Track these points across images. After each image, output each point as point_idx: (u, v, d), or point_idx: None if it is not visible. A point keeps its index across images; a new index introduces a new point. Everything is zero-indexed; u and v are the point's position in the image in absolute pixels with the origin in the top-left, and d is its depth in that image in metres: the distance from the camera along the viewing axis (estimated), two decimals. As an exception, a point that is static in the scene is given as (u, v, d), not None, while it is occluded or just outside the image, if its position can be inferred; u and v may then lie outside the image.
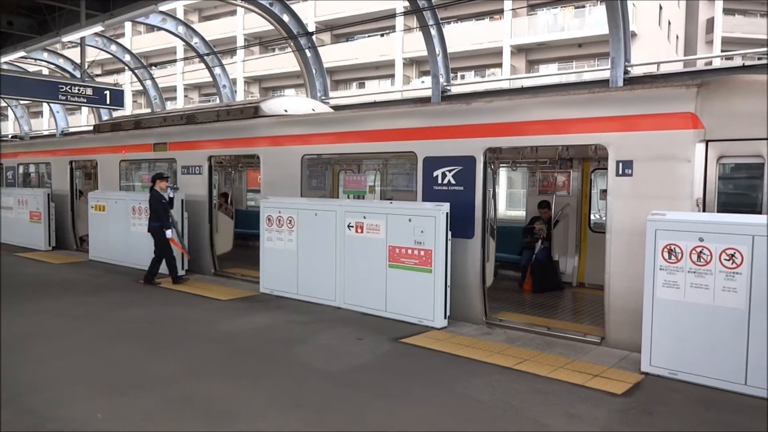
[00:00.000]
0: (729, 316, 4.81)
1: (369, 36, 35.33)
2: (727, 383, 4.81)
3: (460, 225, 6.90)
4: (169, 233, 9.23)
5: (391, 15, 19.15)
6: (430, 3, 11.22)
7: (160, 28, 15.91)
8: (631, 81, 9.32)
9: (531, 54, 32.13)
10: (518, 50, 31.84)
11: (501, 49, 31.43)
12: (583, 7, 29.95)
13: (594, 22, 28.38)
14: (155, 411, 4.39)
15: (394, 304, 7.11)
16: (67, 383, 4.94)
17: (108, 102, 13.86)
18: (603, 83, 9.77)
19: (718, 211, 5.45)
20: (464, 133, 7.08)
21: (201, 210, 10.29)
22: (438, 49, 11.59)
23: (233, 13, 39.76)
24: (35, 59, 18.88)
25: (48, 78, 14.94)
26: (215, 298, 8.37)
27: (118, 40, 19.25)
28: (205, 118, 10.66)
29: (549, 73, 28.36)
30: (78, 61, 15.78)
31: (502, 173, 15.38)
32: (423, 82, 32.71)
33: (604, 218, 7.66)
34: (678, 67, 15.37)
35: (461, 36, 30.54)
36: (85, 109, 37.16)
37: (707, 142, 5.50)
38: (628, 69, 9.50)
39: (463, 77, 31.33)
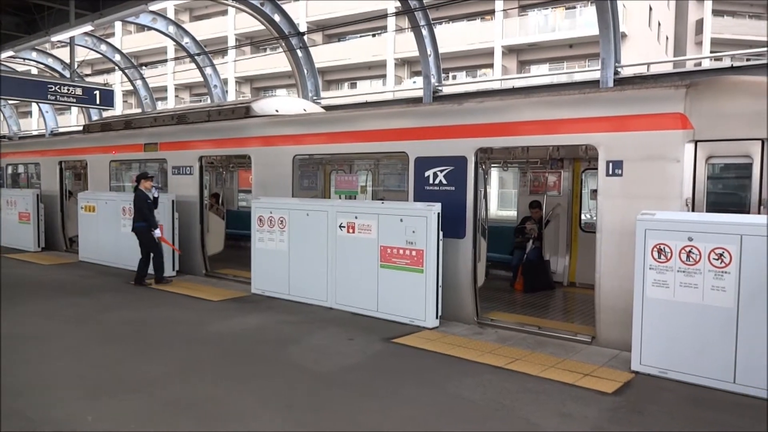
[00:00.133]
0: (718, 315, 4.85)
1: (361, 36, 35.35)
2: (716, 381, 4.85)
3: (451, 225, 6.90)
4: (157, 233, 9.20)
5: (383, 15, 19.14)
6: (421, 3, 11.23)
7: (150, 28, 15.81)
8: (621, 81, 9.36)
9: (522, 54, 32.27)
10: (509, 51, 31.97)
11: (492, 50, 31.57)
12: (574, 8, 30.10)
13: (585, 23, 28.54)
14: (146, 413, 4.37)
15: (385, 304, 7.12)
16: (57, 385, 4.91)
17: (98, 102, 13.77)
18: (593, 84, 9.81)
19: (707, 211, 5.49)
20: (455, 134, 7.10)
21: (192, 210, 10.25)
22: (429, 50, 11.60)
23: (224, 12, 39.67)
24: (24, 59, 18.70)
25: (37, 78, 14.77)
26: (206, 299, 8.34)
27: (108, 40, 19.11)
28: (196, 119, 10.62)
29: (540, 74, 28.56)
30: (67, 60, 15.64)
31: (494, 173, 15.42)
32: (414, 82, 32.79)
33: (594, 218, 7.70)
34: (668, 68, 15.44)
35: (453, 36, 30.63)
36: (74, 109, 36.90)
37: (696, 142, 5.54)
38: (619, 70, 9.55)
39: (454, 77, 31.38)
